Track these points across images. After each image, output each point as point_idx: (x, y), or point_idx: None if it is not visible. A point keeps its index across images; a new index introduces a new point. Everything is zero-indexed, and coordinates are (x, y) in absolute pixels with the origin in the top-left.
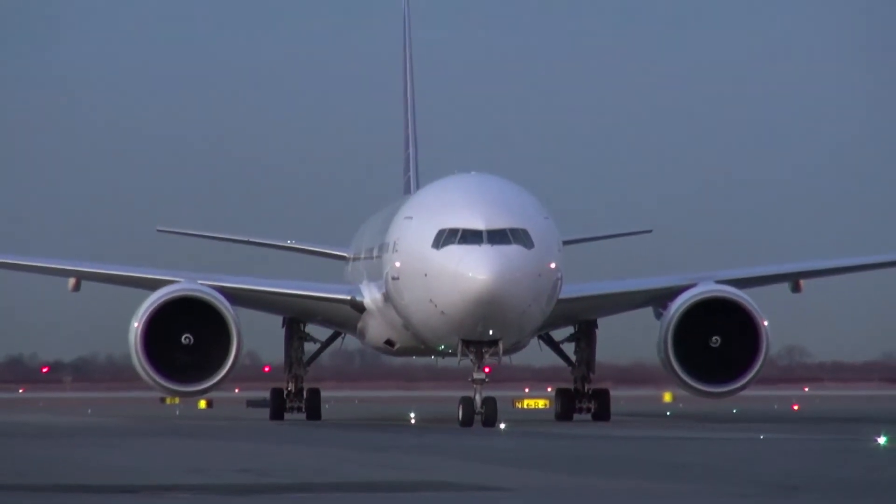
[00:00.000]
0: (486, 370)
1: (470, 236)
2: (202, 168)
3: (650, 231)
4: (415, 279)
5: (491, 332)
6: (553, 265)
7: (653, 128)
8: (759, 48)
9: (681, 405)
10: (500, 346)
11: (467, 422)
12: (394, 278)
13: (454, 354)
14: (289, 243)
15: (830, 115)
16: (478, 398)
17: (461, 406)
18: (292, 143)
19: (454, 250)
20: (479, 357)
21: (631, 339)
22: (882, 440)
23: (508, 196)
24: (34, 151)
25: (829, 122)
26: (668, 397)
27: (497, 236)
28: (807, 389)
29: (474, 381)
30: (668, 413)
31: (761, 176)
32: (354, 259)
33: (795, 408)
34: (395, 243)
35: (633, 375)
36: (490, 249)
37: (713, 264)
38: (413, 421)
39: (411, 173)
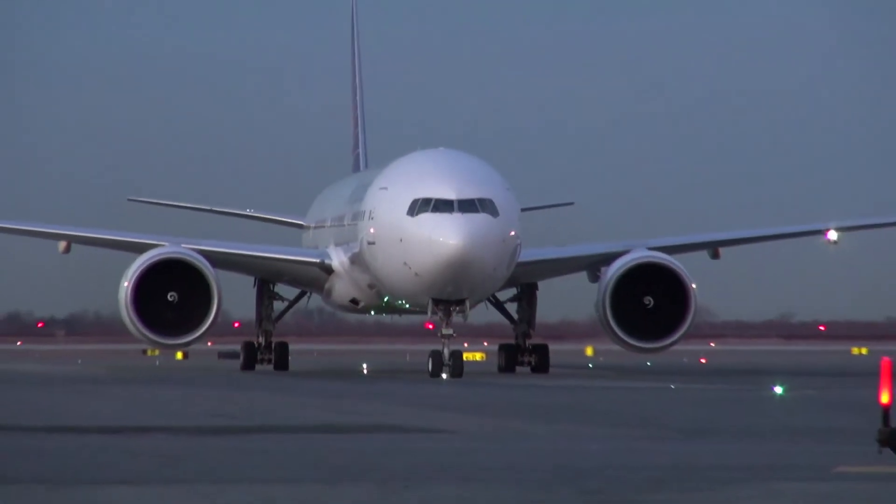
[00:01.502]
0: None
1: (442, 205)
2: (168, 144)
3: (572, 203)
4: (390, 244)
5: (459, 292)
6: (514, 232)
7: (573, 104)
8: (677, 24)
9: (601, 358)
10: (467, 304)
11: (436, 373)
12: (369, 243)
13: (412, 312)
14: (248, 212)
15: (745, 91)
16: (446, 352)
17: (431, 358)
18: (251, 124)
19: (428, 218)
20: (448, 315)
21: (557, 300)
22: (779, 390)
23: (475, 169)
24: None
25: (744, 99)
26: (589, 351)
27: (467, 205)
28: (713, 345)
29: (443, 336)
30: (591, 365)
31: (667, 151)
32: (317, 227)
33: (703, 361)
34: (370, 212)
35: (559, 332)
36: (461, 217)
37: (617, 235)
38: (365, 371)
39: (360, 150)
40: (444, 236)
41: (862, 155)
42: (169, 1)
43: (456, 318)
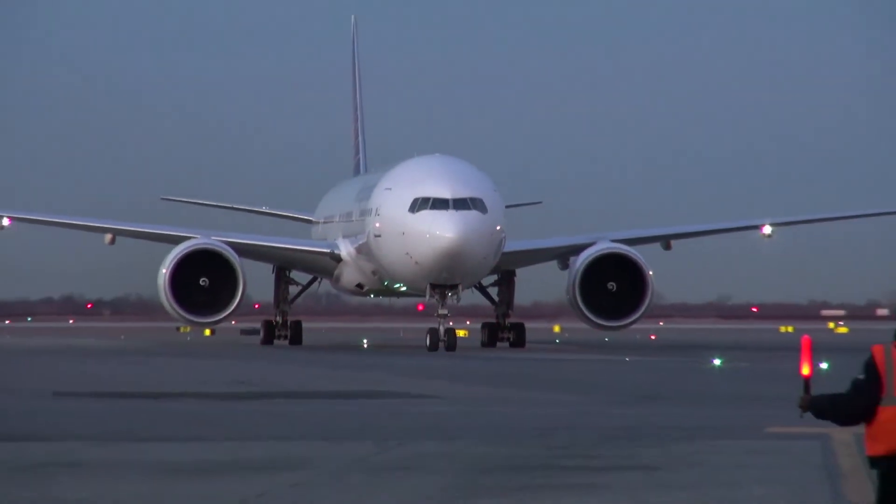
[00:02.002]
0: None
1: (439, 203)
2: (195, 152)
3: (540, 202)
4: (394, 237)
5: (453, 278)
6: (500, 227)
7: (542, 116)
8: (631, 37)
9: (566, 335)
10: (460, 289)
11: (434, 347)
12: (376, 236)
13: (408, 295)
14: (263, 209)
15: (693, 104)
16: (441, 329)
17: (428, 335)
18: (265, 134)
19: (427, 214)
20: (443, 298)
21: (529, 285)
22: (717, 362)
23: (468, 172)
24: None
25: (692, 111)
26: (557, 329)
27: (460, 204)
28: (661, 323)
29: (439, 315)
30: (557, 341)
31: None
32: (325, 222)
33: (653, 337)
34: (376, 209)
35: (531, 312)
36: (455, 214)
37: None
38: (365, 346)
39: (360, 156)
40: (441, 230)
41: (793, 159)
42: (207, 30)
43: (451, 300)
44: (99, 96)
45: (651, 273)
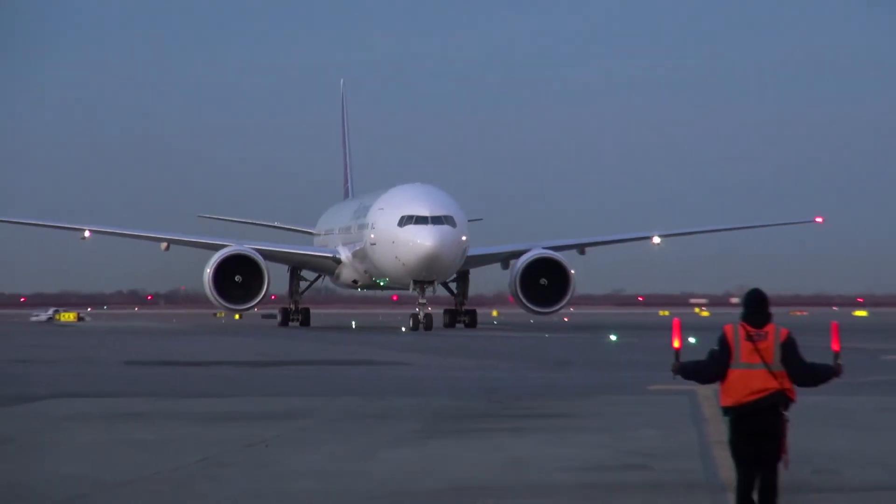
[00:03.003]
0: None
1: (421, 220)
2: (224, 179)
3: (481, 219)
4: (386, 245)
5: (431, 276)
6: (465, 237)
7: (483, 149)
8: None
9: (502, 318)
10: (435, 284)
11: (415, 327)
12: (372, 244)
13: (389, 289)
14: (275, 224)
15: (603, 134)
16: (421, 314)
17: (411, 318)
18: (273, 167)
19: (412, 228)
20: (423, 291)
21: (475, 280)
22: (613, 337)
23: (441, 196)
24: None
25: (602, 139)
26: (494, 313)
27: (436, 220)
28: (572, 309)
29: (419, 304)
30: (495, 322)
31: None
32: (326, 234)
33: (566, 320)
34: (372, 224)
35: (474, 301)
36: (433, 228)
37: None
38: (354, 327)
39: (349, 184)
40: (423, 240)
41: (681, 180)
42: (210, 96)
43: (428, 292)
44: (156, 144)
45: (573, 272)
